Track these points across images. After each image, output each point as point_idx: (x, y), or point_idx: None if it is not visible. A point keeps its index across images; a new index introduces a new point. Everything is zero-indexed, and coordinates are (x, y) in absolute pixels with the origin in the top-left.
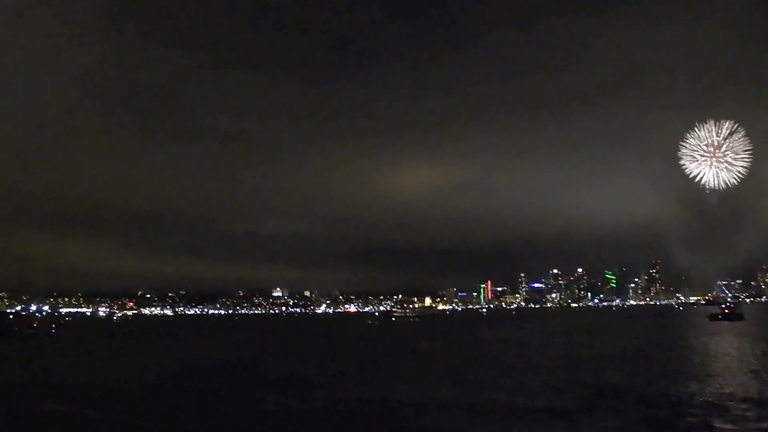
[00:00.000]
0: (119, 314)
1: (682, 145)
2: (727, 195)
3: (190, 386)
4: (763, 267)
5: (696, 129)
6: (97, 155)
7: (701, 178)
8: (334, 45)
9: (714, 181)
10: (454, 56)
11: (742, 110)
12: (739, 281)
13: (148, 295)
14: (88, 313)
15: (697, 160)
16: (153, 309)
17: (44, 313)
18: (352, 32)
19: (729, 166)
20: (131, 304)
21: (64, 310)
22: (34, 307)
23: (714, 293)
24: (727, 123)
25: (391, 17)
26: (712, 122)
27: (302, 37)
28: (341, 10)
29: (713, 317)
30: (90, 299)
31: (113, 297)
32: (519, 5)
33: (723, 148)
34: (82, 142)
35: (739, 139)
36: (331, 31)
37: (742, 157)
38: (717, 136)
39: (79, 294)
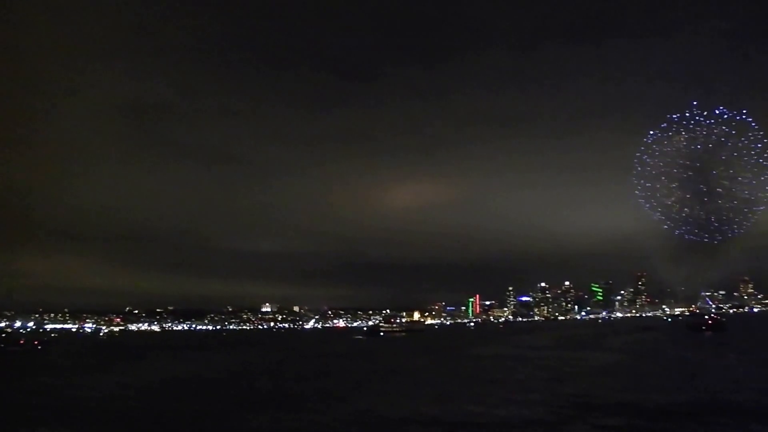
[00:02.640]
0: (105, 330)
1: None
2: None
3: (178, 405)
4: (745, 278)
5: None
6: (86, 172)
7: (677, 209)
8: (332, 69)
9: (697, 213)
10: (450, 78)
11: None
12: (722, 292)
13: (136, 311)
14: (74, 329)
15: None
16: (140, 325)
17: (29, 330)
18: (349, 57)
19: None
20: (118, 320)
21: (49, 327)
22: (18, 324)
23: (698, 304)
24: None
25: (388, 42)
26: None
27: (301, 63)
28: (339, 36)
29: (697, 328)
30: (76, 315)
31: (100, 313)
32: (516, 29)
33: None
34: (70, 158)
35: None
36: (330, 56)
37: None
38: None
39: (66, 310)
